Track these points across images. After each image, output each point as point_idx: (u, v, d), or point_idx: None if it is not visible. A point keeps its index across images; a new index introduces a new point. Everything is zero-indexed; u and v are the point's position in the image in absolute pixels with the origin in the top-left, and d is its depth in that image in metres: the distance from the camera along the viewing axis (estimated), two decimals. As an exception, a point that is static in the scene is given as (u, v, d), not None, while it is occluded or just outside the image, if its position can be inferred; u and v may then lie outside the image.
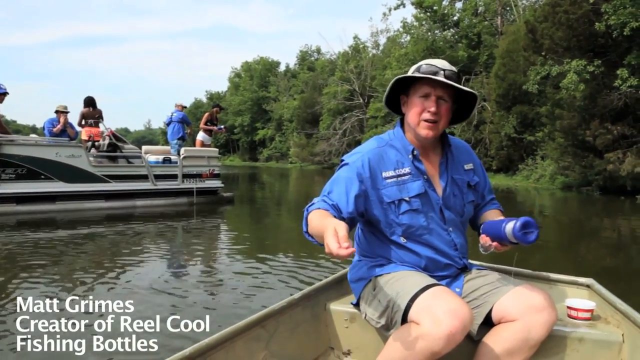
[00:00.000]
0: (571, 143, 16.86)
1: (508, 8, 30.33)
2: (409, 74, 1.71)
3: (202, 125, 12.36)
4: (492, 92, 24.04)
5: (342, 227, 1.29)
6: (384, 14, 62.64)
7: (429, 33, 33.14)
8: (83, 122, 10.37)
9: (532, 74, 16.62)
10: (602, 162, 15.24)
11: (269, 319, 1.69)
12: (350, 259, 1.65)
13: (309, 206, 1.61)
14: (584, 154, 16.32)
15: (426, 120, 1.66)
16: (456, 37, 32.34)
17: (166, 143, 12.80)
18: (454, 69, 1.69)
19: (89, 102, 10.31)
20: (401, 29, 37.75)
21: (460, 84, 1.67)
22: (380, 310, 1.64)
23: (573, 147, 16.84)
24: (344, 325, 1.90)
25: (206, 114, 12.59)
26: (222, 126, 13.61)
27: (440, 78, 1.63)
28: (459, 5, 32.52)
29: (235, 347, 1.54)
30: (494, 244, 1.62)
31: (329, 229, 1.29)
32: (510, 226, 1.55)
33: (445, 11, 31.71)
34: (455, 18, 32.33)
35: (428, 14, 32.25)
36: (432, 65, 1.67)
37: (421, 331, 1.42)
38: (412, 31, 35.33)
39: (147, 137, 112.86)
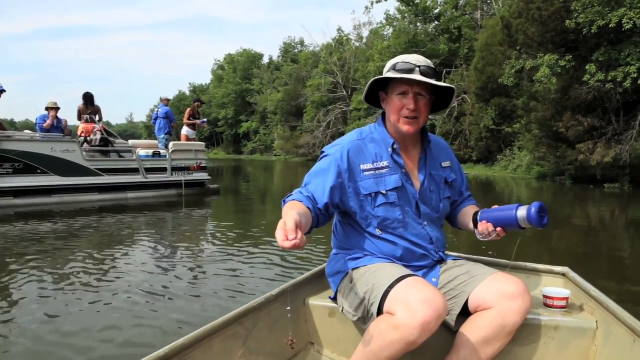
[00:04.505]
0: (546, 134, 17.41)
1: (488, 2, 30.74)
2: (385, 72, 1.72)
3: (185, 120, 12.81)
4: (472, 85, 24.57)
5: (291, 219, 1.31)
6: (367, 7, 62.98)
7: (411, 26, 33.52)
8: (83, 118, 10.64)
9: (508, 67, 17.26)
10: (573, 153, 15.79)
11: (246, 316, 1.67)
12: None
13: (287, 197, 1.65)
14: (557, 145, 16.87)
15: (406, 117, 1.68)
16: (438, 30, 32.74)
17: (149, 137, 13.14)
18: (430, 63, 1.70)
19: (85, 98, 10.57)
20: (384, 22, 38.19)
21: (437, 77, 1.69)
22: (357, 303, 1.64)
23: (547, 138, 17.39)
24: (323, 320, 1.90)
25: (188, 109, 13.08)
26: (205, 120, 14.01)
27: (416, 76, 1.63)
28: (440, -2, 32.98)
29: (213, 346, 1.52)
30: (498, 229, 1.65)
31: (281, 221, 1.33)
32: (523, 211, 1.59)
33: (427, 4, 32.11)
34: (436, 11, 32.75)
35: (410, 7, 32.63)
36: (407, 62, 1.66)
37: (396, 321, 1.42)
38: (395, 24, 35.70)
39: (129, 131, 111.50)
